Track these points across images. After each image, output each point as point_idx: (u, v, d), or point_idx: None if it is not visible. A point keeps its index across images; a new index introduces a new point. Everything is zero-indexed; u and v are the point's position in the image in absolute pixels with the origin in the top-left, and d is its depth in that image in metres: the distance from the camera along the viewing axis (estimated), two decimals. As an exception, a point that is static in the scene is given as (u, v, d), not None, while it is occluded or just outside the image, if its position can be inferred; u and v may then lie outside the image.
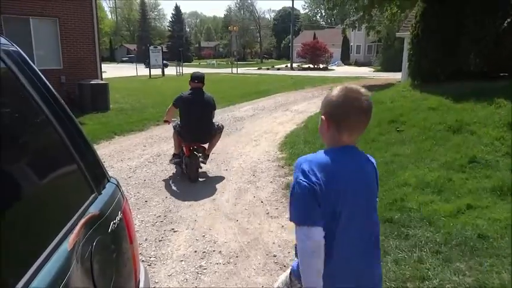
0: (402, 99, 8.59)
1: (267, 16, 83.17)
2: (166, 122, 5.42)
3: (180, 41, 62.81)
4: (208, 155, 5.43)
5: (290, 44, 46.91)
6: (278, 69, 39.28)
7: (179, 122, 5.24)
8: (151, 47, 27.84)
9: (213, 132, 5.33)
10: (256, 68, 40.72)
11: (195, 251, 3.28)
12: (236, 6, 77.47)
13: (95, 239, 1.17)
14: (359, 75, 28.33)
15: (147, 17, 74.99)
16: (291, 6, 47.97)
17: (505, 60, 7.99)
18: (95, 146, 1.71)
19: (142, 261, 3.03)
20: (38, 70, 1.25)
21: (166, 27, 75.97)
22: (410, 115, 7.11)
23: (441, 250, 2.99)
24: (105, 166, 1.55)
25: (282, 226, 3.74)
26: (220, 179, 5.25)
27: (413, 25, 9.75)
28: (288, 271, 1.60)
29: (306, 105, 12.07)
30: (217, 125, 5.44)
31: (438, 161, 4.97)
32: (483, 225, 3.30)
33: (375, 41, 41.68)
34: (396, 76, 20.34)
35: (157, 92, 15.43)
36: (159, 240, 3.48)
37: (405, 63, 12.28)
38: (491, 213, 3.51)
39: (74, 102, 10.04)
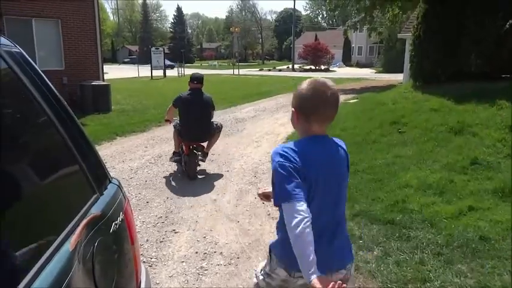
0: (404, 101, 8.60)
1: (269, 17, 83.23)
2: (168, 121, 5.55)
3: (182, 42, 62.85)
4: (207, 154, 5.52)
5: (291, 45, 46.95)
6: (279, 70, 39.31)
7: (179, 122, 5.32)
8: (153, 48, 27.91)
9: (211, 132, 5.43)
10: (258, 69, 40.75)
11: (196, 252, 3.28)
12: (238, 7, 77.75)
13: (96, 239, 1.17)
14: (360, 76, 28.32)
15: (149, 18, 75.07)
16: (293, 7, 48.02)
17: (506, 61, 7.99)
18: (97, 147, 1.71)
19: (144, 262, 3.03)
20: (40, 71, 1.26)
21: (168, 29, 76.07)
22: (412, 116, 7.11)
23: (443, 252, 2.99)
24: (106, 167, 1.56)
25: (283, 227, 3.73)
26: (221, 180, 5.25)
27: (415, 26, 9.75)
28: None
29: (307, 107, 12.05)
30: (216, 124, 5.53)
31: (440, 163, 4.97)
32: (485, 227, 3.29)
33: (377, 42, 41.65)
34: (398, 77, 20.29)
35: (158, 93, 15.47)
36: (160, 241, 3.48)
37: (407, 65, 12.27)
38: (493, 215, 3.51)
39: (75, 103, 10.06)
